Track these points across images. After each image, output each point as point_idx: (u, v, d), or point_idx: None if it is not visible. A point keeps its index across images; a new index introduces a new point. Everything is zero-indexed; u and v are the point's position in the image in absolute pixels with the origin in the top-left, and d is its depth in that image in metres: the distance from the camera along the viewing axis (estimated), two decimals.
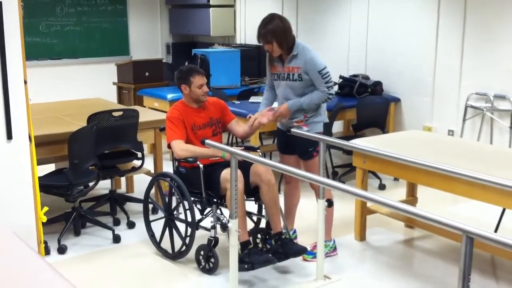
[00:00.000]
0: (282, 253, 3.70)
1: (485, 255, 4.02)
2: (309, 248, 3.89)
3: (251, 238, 3.79)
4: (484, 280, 3.73)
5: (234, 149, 3.28)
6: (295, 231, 4.18)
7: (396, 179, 5.69)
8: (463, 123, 5.66)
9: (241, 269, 3.39)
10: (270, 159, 5.86)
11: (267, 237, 3.92)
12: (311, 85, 3.81)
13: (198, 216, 3.84)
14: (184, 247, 3.87)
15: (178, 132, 3.87)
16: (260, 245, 3.96)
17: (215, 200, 3.80)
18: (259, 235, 4.01)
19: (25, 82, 3.11)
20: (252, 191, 3.85)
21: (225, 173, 3.64)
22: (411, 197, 4.56)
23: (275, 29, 3.78)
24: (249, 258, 3.51)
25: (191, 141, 3.91)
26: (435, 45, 5.85)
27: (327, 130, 4.07)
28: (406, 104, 6.26)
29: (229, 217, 3.28)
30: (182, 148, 3.83)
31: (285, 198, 4.15)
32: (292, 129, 3.76)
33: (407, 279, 3.76)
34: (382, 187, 5.56)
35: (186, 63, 7.01)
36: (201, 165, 3.75)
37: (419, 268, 3.96)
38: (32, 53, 8.05)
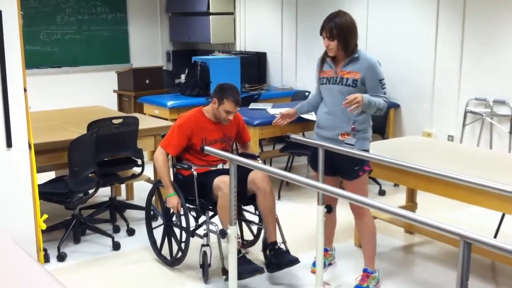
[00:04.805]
0: (275, 264, 3.66)
1: (485, 261, 4.01)
2: (356, 282, 3.70)
3: (247, 248, 3.77)
4: (484, 285, 3.72)
5: (233, 156, 3.28)
6: (334, 248, 4.10)
7: (396, 184, 5.69)
8: (462, 129, 5.67)
9: (227, 279, 3.31)
10: (270, 166, 5.86)
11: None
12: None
13: (193, 223, 3.82)
14: (180, 253, 3.86)
15: (174, 144, 3.82)
16: (248, 254, 3.89)
17: (210, 207, 3.78)
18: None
19: (25, 90, 3.12)
20: (249, 199, 3.83)
21: (217, 181, 3.63)
22: (411, 203, 4.55)
23: (343, 25, 3.47)
24: (238, 268, 3.47)
25: (195, 155, 3.88)
26: (434, 51, 5.87)
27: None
28: (406, 109, 6.27)
29: (229, 223, 3.27)
30: (159, 157, 3.80)
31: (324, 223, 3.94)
32: (292, 136, 3.66)
33: (407, 284, 3.75)
34: (382, 192, 5.56)
35: (187, 71, 7.06)
36: (195, 173, 3.74)
37: (419, 273, 3.96)
38: (33, 61, 8.06)
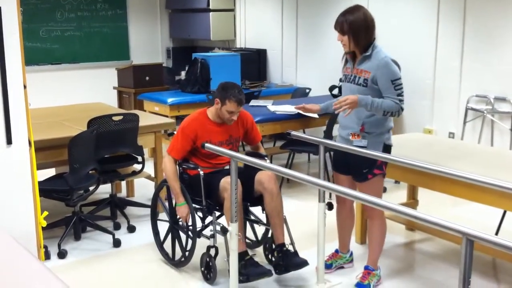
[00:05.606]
0: (283, 266, 3.62)
1: (486, 258, 4.01)
2: (357, 279, 3.68)
3: (254, 249, 3.72)
4: (486, 282, 3.72)
5: (234, 153, 3.25)
6: (351, 254, 3.98)
7: (397, 182, 5.68)
8: (463, 126, 5.66)
9: None
10: (271, 162, 5.84)
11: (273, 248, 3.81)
12: (375, 97, 3.36)
13: (199, 223, 3.79)
14: (183, 258, 3.83)
15: (178, 148, 3.75)
16: (255, 256, 3.87)
17: (217, 207, 3.72)
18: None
19: (25, 87, 3.12)
20: (257, 200, 3.77)
21: (224, 182, 3.57)
22: (412, 200, 4.55)
23: (354, 21, 3.36)
24: (245, 270, 3.43)
25: (200, 157, 3.82)
26: (435, 48, 5.85)
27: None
28: (407, 106, 6.11)
29: (230, 221, 3.26)
30: (167, 165, 3.74)
31: (338, 223, 3.88)
32: (293, 133, 3.63)
33: (408, 282, 3.75)
34: (383, 189, 5.54)
35: (187, 68, 7.05)
36: (201, 172, 3.68)
37: (420, 270, 3.95)
38: (33, 58, 8.06)
